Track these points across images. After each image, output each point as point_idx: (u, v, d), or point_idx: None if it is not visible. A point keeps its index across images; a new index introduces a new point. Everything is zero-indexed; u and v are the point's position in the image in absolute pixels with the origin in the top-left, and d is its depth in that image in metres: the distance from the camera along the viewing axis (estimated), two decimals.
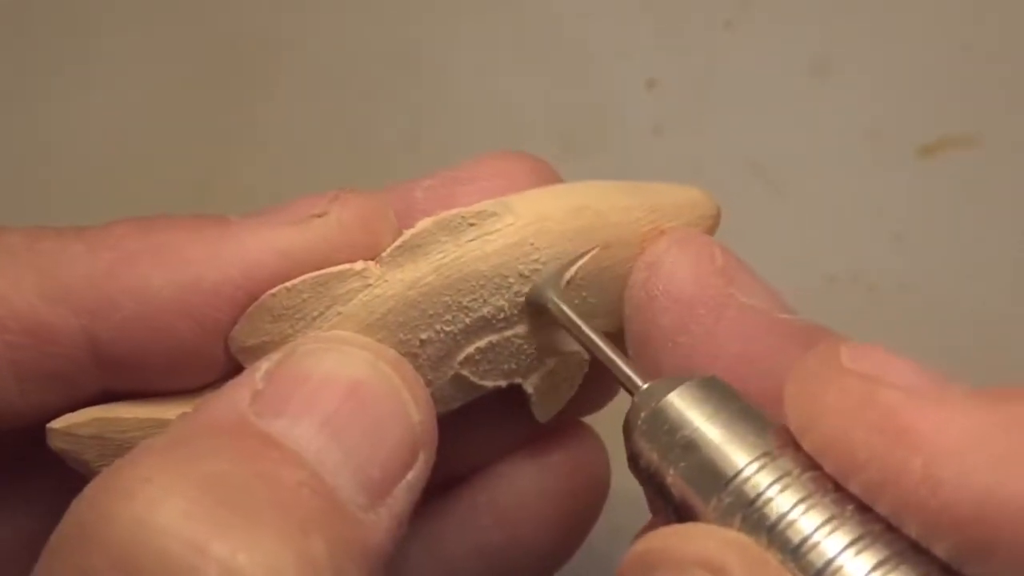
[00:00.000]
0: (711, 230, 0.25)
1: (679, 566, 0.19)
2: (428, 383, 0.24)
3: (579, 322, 0.24)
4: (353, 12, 0.41)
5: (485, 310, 0.24)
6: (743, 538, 0.19)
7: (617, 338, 0.25)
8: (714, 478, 0.20)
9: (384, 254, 0.24)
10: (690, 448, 0.21)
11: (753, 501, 0.20)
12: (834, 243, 0.37)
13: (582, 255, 0.24)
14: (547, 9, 0.41)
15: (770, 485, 0.20)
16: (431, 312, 0.24)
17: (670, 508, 0.21)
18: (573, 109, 0.40)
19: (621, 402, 0.27)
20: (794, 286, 0.25)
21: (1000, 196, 0.37)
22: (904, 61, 0.39)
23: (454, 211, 0.24)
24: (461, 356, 0.24)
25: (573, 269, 0.24)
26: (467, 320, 0.24)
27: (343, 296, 0.23)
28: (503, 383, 0.25)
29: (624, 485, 0.29)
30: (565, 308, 0.24)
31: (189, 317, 0.23)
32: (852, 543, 0.19)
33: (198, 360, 0.23)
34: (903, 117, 0.38)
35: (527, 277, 0.24)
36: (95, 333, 0.23)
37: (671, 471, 0.21)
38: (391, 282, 0.24)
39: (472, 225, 0.24)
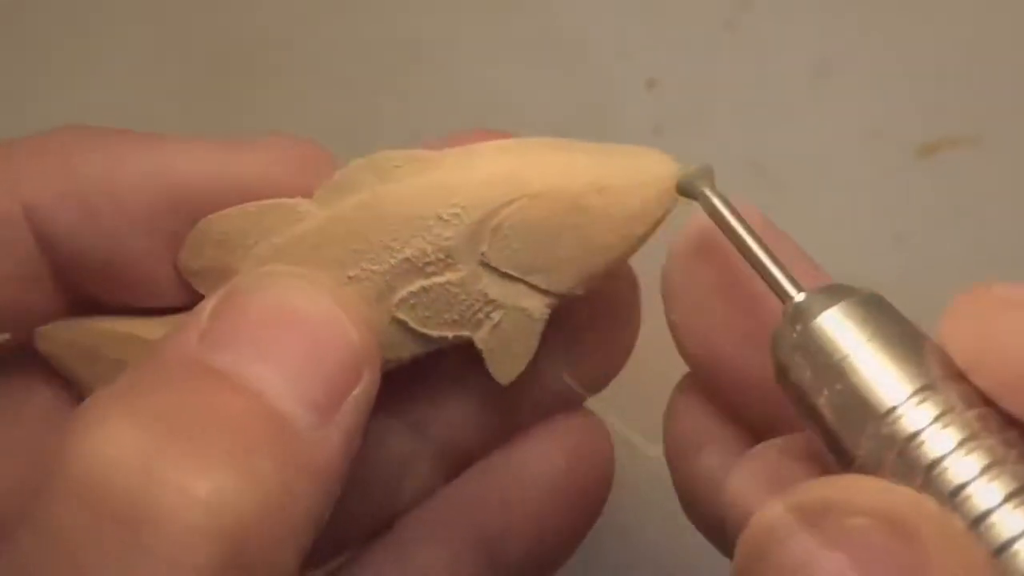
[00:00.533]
0: (666, 194, 0.25)
1: (863, 519, 0.18)
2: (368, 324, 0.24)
3: (730, 217, 0.22)
4: (353, 12, 0.41)
5: (408, 251, 0.24)
6: (931, 502, 0.18)
7: (570, 299, 0.25)
8: (871, 407, 0.19)
9: (317, 192, 0.24)
10: (847, 371, 0.19)
11: (912, 437, 0.18)
12: (834, 243, 0.37)
13: (506, 203, 0.24)
14: (547, 9, 0.41)
15: (932, 421, 0.18)
16: (354, 248, 0.24)
17: (818, 430, 0.20)
18: (573, 109, 0.40)
19: (625, 386, 0.27)
20: None
21: (1000, 196, 0.37)
22: (904, 61, 0.39)
23: (384, 152, 0.24)
24: (395, 299, 0.24)
25: (498, 218, 0.24)
26: (391, 260, 0.24)
27: (277, 228, 0.24)
28: (449, 334, 0.25)
29: (627, 477, 0.29)
30: (716, 200, 0.23)
31: (114, 201, 0.24)
32: (1014, 493, 0.18)
33: (136, 258, 0.24)
34: (903, 117, 0.38)
35: (447, 221, 0.24)
36: (36, 219, 0.24)
37: (824, 392, 0.19)
38: (318, 217, 0.24)
39: (397, 167, 0.24)
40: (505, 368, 0.25)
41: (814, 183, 0.38)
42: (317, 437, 0.22)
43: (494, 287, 0.25)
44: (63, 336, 0.25)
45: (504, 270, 0.24)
